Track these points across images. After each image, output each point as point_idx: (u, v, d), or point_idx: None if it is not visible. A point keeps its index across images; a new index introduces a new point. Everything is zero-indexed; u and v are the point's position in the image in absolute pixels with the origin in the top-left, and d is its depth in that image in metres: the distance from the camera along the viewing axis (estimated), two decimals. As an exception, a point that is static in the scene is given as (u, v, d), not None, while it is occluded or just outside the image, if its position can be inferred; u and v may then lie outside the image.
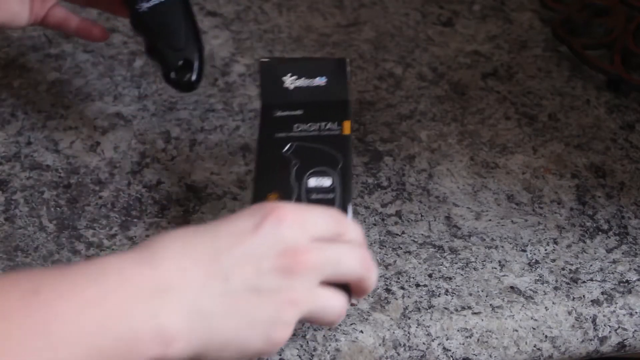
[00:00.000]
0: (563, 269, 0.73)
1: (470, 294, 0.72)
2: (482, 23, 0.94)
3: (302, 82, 0.72)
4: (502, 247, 0.75)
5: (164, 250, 0.56)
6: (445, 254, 0.74)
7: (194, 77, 0.76)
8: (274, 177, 0.67)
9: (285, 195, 0.65)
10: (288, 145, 0.69)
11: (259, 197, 0.66)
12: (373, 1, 0.96)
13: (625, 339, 0.72)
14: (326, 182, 0.66)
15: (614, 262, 0.74)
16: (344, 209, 0.64)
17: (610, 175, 0.80)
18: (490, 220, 0.77)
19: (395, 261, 0.74)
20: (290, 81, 0.72)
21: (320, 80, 0.72)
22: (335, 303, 0.60)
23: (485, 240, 0.75)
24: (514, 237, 0.76)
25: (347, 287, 0.61)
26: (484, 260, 0.74)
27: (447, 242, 0.75)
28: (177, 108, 0.85)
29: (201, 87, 0.87)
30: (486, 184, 0.80)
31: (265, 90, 0.73)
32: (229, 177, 0.80)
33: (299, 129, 0.70)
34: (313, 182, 0.66)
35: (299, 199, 0.64)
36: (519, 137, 0.84)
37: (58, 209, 0.77)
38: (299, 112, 0.71)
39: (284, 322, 0.57)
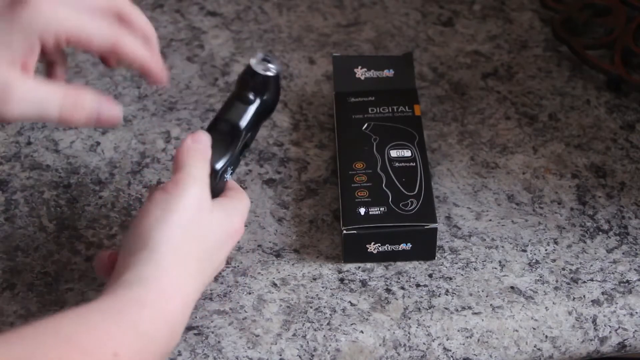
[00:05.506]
0: (563, 269, 0.73)
1: (471, 294, 0.71)
2: (482, 23, 0.94)
3: (372, 73, 0.82)
4: (503, 247, 0.75)
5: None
6: (446, 254, 0.74)
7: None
8: (356, 150, 0.77)
9: (370, 164, 0.75)
10: (366, 125, 0.79)
11: (345, 165, 0.76)
12: (373, 1, 0.96)
13: (625, 339, 0.72)
14: (406, 153, 0.76)
15: (614, 262, 0.74)
16: (426, 176, 0.74)
17: (610, 175, 0.80)
18: (490, 220, 0.77)
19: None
20: (361, 73, 0.82)
21: (388, 72, 0.82)
22: None
23: (485, 240, 0.75)
24: (514, 237, 0.75)
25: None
26: (484, 260, 0.74)
27: (447, 242, 0.75)
28: (177, 108, 0.85)
29: (201, 87, 0.87)
30: (486, 184, 0.80)
31: (338, 80, 0.83)
32: (229, 177, 0.80)
33: (374, 111, 0.80)
34: (394, 153, 0.76)
35: (383, 167, 0.75)
36: (519, 137, 0.83)
37: (58, 209, 0.77)
38: (371, 98, 0.81)
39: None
